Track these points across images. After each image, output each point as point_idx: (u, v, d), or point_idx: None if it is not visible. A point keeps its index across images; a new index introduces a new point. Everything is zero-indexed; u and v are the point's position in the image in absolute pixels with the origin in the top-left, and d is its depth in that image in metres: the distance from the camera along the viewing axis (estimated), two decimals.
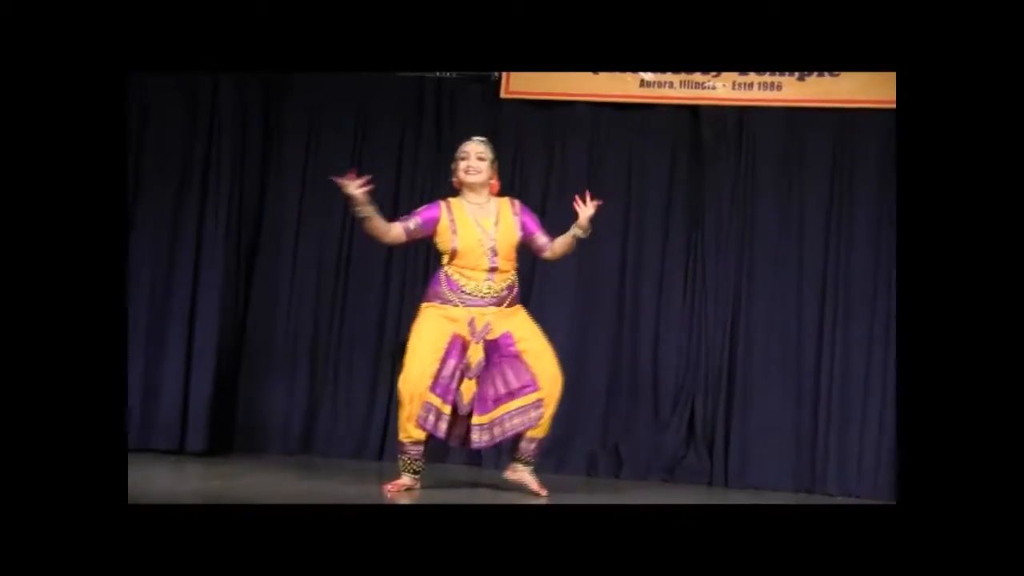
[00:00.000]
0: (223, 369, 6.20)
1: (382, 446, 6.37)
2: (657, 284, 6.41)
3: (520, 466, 5.01)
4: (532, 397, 4.89)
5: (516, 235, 5.01)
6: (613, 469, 6.24)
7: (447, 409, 4.85)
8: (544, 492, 4.99)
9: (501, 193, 5.19)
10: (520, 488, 5.01)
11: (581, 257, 6.15)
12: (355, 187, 4.83)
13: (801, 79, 6.27)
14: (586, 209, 4.91)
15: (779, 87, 6.30)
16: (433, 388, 4.82)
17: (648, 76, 6.39)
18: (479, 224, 4.97)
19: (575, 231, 4.93)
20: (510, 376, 4.89)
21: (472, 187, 5.04)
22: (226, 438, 6.28)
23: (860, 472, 6.06)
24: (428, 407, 4.82)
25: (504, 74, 6.49)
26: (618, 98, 6.43)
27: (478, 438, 4.89)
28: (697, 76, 6.35)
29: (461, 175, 5.06)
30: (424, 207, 5.12)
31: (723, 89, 6.36)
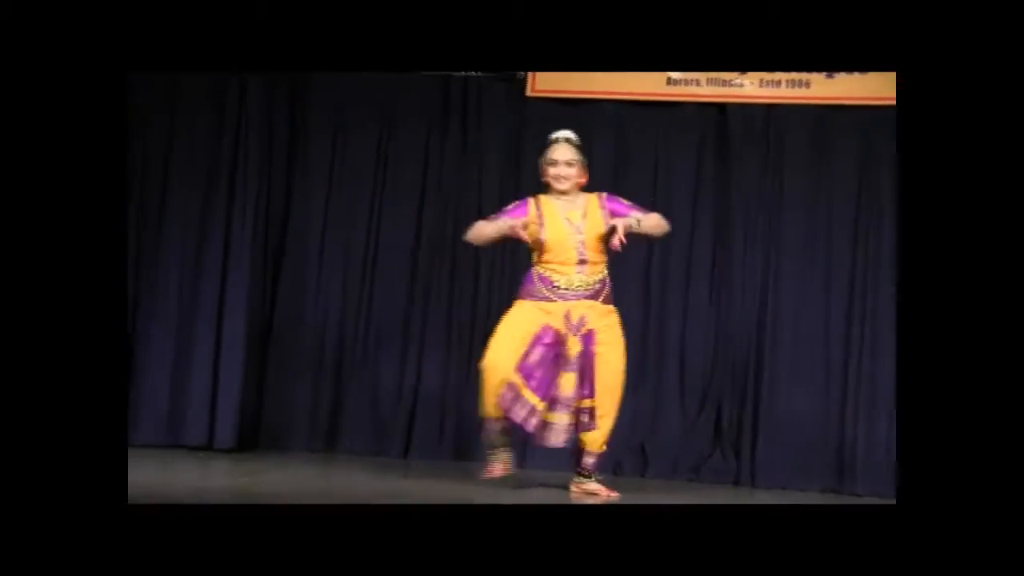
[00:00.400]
0: (250, 367, 6.25)
1: (407, 444, 6.38)
2: (683, 283, 6.40)
3: (582, 480, 5.02)
4: (586, 404, 4.93)
5: (603, 227, 4.95)
6: (639, 468, 6.23)
7: (532, 397, 4.84)
8: (615, 494, 5.00)
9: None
10: (589, 499, 4.97)
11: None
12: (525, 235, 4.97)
13: (829, 76, 6.23)
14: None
15: (807, 84, 6.26)
16: (520, 368, 4.83)
17: (675, 74, 6.36)
18: (567, 218, 4.98)
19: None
20: (579, 380, 4.91)
21: (557, 191, 5.05)
22: (253, 435, 6.32)
23: (887, 472, 6.02)
24: (511, 386, 4.82)
25: (530, 73, 6.48)
26: (644, 96, 6.41)
27: (552, 436, 4.94)
28: (724, 74, 6.32)
29: (550, 181, 5.06)
30: (512, 205, 5.12)
31: (750, 87, 6.33)
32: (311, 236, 6.57)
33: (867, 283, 6.18)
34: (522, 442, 5.33)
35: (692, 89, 6.37)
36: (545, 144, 5.17)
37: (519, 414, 4.84)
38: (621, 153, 6.46)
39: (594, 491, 4.99)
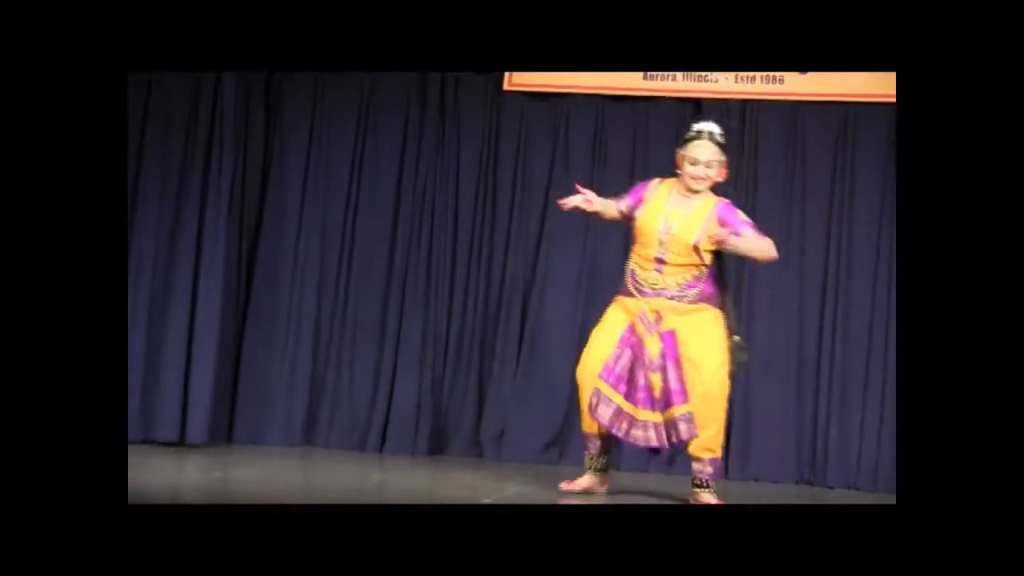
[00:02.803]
0: (224, 360, 6.20)
1: (383, 437, 6.38)
2: None
3: (696, 490, 4.82)
4: (681, 410, 4.70)
5: (696, 235, 4.72)
6: (614, 461, 6.23)
7: (616, 397, 4.73)
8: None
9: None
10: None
11: (584, 247, 6.16)
12: (589, 206, 4.85)
13: (803, 73, 6.25)
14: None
15: (781, 80, 6.29)
16: (603, 375, 4.73)
17: None
18: (668, 213, 4.77)
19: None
20: (670, 382, 4.71)
21: (691, 189, 4.83)
22: (227, 429, 6.29)
23: (860, 464, 6.08)
24: (596, 392, 4.73)
25: None
26: (621, 91, 6.42)
27: (642, 435, 4.78)
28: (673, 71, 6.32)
29: (687, 178, 4.83)
30: (641, 185, 5.00)
31: (725, 82, 6.34)
32: (286, 230, 6.53)
33: (840, 277, 6.23)
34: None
35: (668, 84, 6.39)
36: (686, 134, 4.98)
37: (605, 415, 4.73)
38: (598, 147, 6.46)
39: (704, 502, 4.79)
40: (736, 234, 4.74)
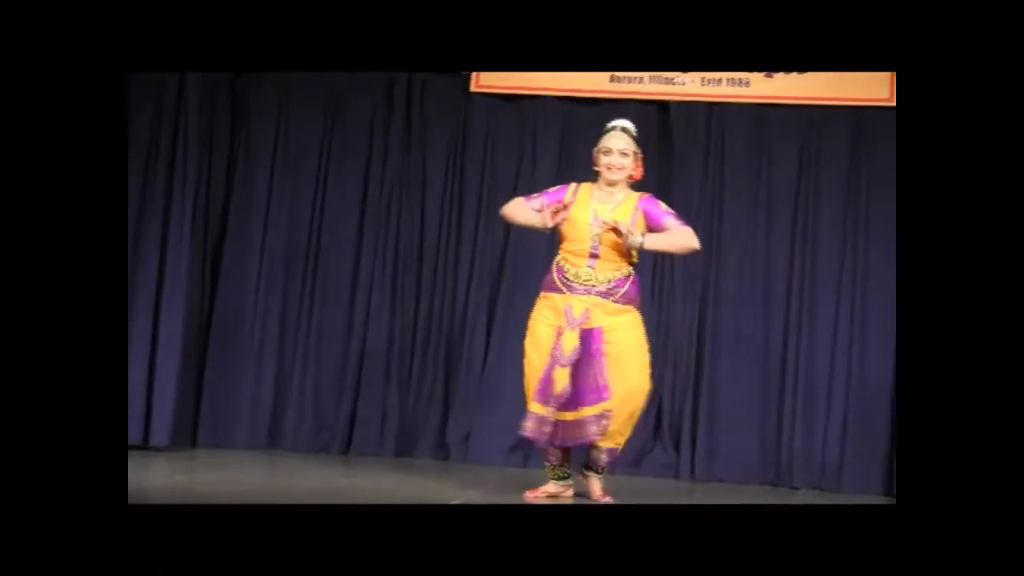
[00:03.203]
0: (188, 364, 6.16)
1: (349, 440, 6.35)
2: None
3: (589, 472, 4.84)
4: (597, 409, 4.66)
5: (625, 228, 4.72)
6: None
7: (548, 413, 4.66)
8: (607, 499, 4.82)
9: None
10: (584, 493, 4.85)
11: (551, 249, 6.15)
12: (549, 219, 4.79)
13: (769, 76, 6.29)
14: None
15: (747, 83, 6.32)
16: (537, 396, 4.68)
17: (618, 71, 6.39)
18: (595, 209, 4.77)
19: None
20: (594, 378, 4.67)
21: (609, 182, 4.85)
22: (191, 432, 6.24)
23: (824, 465, 6.12)
24: (529, 415, 4.70)
25: None
26: (588, 93, 6.44)
27: (578, 434, 4.69)
28: (666, 72, 6.35)
29: (602, 170, 4.86)
30: (555, 188, 4.99)
31: (692, 85, 6.37)
32: (252, 231, 6.49)
33: (805, 280, 6.27)
34: None
35: (635, 86, 6.41)
36: (600, 132, 5.00)
37: (544, 432, 4.68)
38: (565, 149, 6.48)
39: (590, 490, 4.81)
40: (668, 218, 4.78)
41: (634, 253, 4.81)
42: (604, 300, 4.72)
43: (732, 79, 6.33)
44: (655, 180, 6.41)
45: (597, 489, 4.83)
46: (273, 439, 6.38)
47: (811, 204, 6.30)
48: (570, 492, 4.91)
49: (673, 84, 6.38)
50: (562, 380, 4.64)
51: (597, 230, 4.74)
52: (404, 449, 6.35)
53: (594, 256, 4.74)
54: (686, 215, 6.29)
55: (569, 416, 4.67)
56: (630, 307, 4.79)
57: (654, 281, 6.41)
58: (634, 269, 4.84)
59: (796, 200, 6.32)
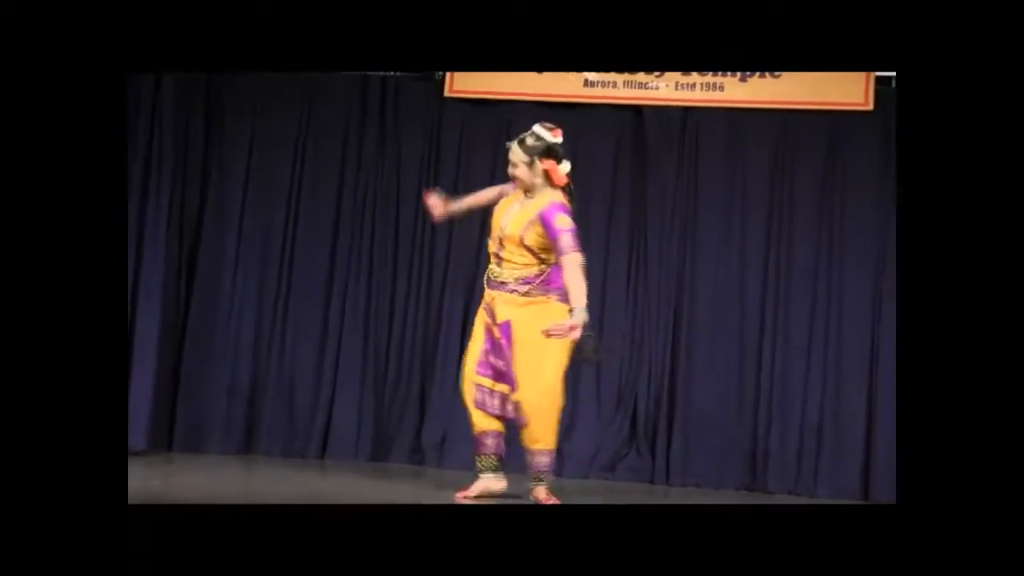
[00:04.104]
0: (163, 367, 6.15)
1: (324, 444, 6.35)
2: (600, 284, 6.41)
3: (532, 483, 4.91)
4: (510, 395, 4.84)
5: (519, 231, 4.83)
6: (556, 467, 6.24)
7: (492, 384, 4.91)
8: (552, 500, 4.87)
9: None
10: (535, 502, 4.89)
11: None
12: (440, 212, 5.21)
13: (743, 80, 6.32)
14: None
15: (721, 88, 6.35)
16: (478, 371, 4.93)
17: (592, 76, 6.41)
18: (512, 211, 4.93)
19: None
20: (504, 364, 4.86)
21: (519, 188, 4.98)
22: (166, 437, 6.23)
23: (800, 470, 6.13)
24: (479, 388, 4.92)
25: (448, 73, 6.48)
26: (562, 97, 6.45)
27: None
28: (640, 76, 6.39)
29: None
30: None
31: (666, 89, 6.39)
32: (227, 235, 6.49)
33: (780, 284, 6.28)
34: None
35: (609, 91, 6.43)
36: None
37: (493, 404, 4.90)
38: None
39: (537, 498, 4.88)
40: (561, 235, 4.75)
41: (544, 254, 4.86)
42: (511, 295, 4.87)
43: (706, 83, 6.35)
44: (629, 184, 6.47)
45: (542, 494, 4.88)
46: (249, 444, 6.37)
47: (786, 208, 6.31)
48: (501, 486, 4.97)
49: (647, 89, 6.41)
50: (497, 364, 4.89)
51: (501, 234, 4.92)
52: (380, 454, 6.35)
53: (498, 257, 4.94)
54: (660, 217, 6.38)
55: (502, 389, 4.88)
56: (544, 298, 4.84)
57: (628, 286, 6.43)
58: (549, 265, 4.86)
59: (770, 204, 6.34)
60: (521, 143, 4.96)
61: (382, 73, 6.52)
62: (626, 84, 6.41)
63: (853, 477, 6.02)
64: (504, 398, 4.88)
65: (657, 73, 6.35)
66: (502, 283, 4.89)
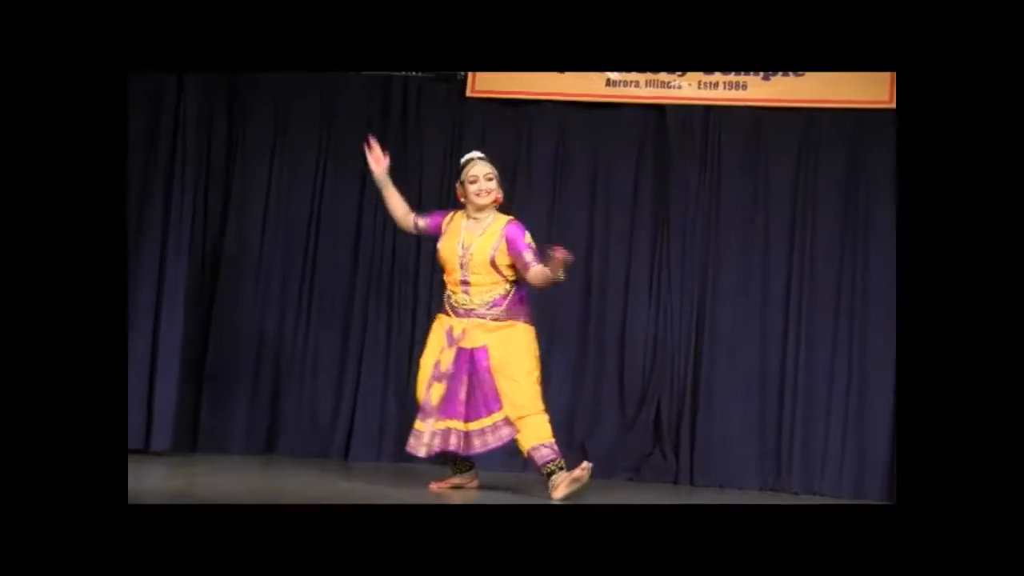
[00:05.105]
0: (188, 368, 6.17)
1: (348, 445, 6.35)
2: (623, 284, 6.43)
3: (551, 479, 4.96)
4: (497, 416, 4.99)
5: (490, 252, 5.02)
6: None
7: (425, 426, 5.06)
8: (585, 467, 4.95)
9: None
10: (573, 495, 4.93)
11: (548, 255, 6.17)
12: (373, 161, 5.20)
13: (766, 79, 6.30)
14: (557, 262, 4.84)
15: (744, 87, 6.33)
16: (418, 414, 5.09)
17: (614, 75, 6.40)
18: (463, 237, 5.07)
19: (547, 271, 4.90)
20: (482, 393, 5.00)
21: (479, 207, 5.12)
22: (191, 437, 6.25)
23: (824, 470, 6.10)
24: (412, 432, 5.10)
25: (470, 73, 6.49)
26: (584, 97, 6.45)
27: (479, 443, 5.04)
28: (663, 75, 6.37)
29: (472, 197, 5.11)
30: (441, 211, 5.30)
31: (689, 88, 6.38)
32: (250, 236, 6.51)
33: (803, 284, 6.26)
34: None
35: (631, 90, 6.42)
36: (459, 168, 5.24)
37: (420, 450, 5.08)
38: (561, 154, 6.48)
39: (564, 487, 4.91)
40: (526, 250, 4.99)
41: (508, 271, 5.06)
42: (483, 320, 5.04)
43: (729, 83, 6.34)
44: (652, 184, 6.45)
45: (562, 480, 4.92)
46: (272, 444, 6.38)
47: (809, 207, 6.29)
48: (475, 483, 5.27)
49: (669, 88, 6.40)
50: (438, 393, 5.03)
51: (465, 259, 5.04)
52: (403, 454, 6.33)
53: (466, 283, 5.06)
54: (683, 217, 6.36)
55: (472, 427, 5.01)
56: (512, 321, 5.06)
57: (651, 285, 6.41)
58: (514, 285, 5.09)
59: (794, 203, 6.31)
60: (484, 159, 5.17)
61: (404, 73, 6.53)
62: (648, 83, 6.39)
63: (877, 478, 5.98)
64: (446, 434, 5.03)
65: (680, 72, 6.33)
66: (470, 310, 5.05)
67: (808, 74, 6.19)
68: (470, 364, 5.01)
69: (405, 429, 6.33)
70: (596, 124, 6.50)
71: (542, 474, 4.99)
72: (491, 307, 5.04)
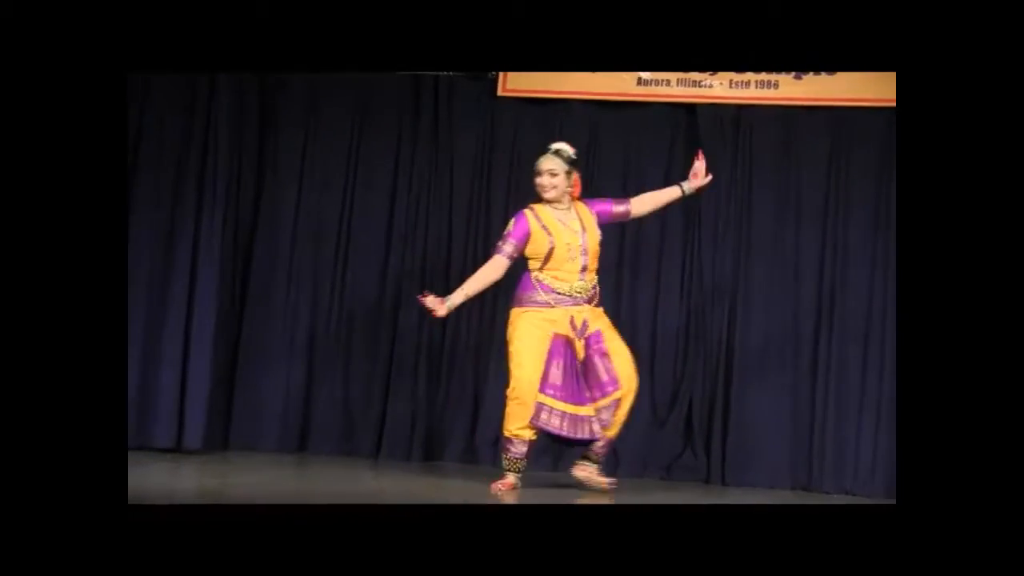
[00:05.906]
0: (220, 366, 6.20)
1: (379, 443, 6.37)
2: (654, 283, 6.42)
3: (589, 464, 5.30)
4: (612, 397, 5.17)
5: (598, 235, 5.25)
6: (610, 467, 6.22)
7: (559, 405, 5.09)
8: (612, 480, 5.30)
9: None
10: (585, 485, 5.25)
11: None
12: (434, 310, 5.17)
13: (798, 78, 6.27)
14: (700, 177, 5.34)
15: (776, 85, 6.30)
16: (543, 388, 5.07)
17: (645, 74, 6.39)
18: (570, 225, 5.19)
19: (683, 186, 5.40)
20: (601, 373, 5.16)
21: (545, 200, 5.24)
22: (223, 435, 6.28)
23: (856, 470, 6.07)
24: (539, 406, 5.06)
25: (501, 72, 6.49)
26: (615, 96, 6.43)
27: (597, 429, 5.15)
28: (694, 74, 6.35)
29: (539, 191, 5.26)
30: (513, 225, 5.25)
31: (720, 87, 6.36)
32: (281, 236, 6.54)
33: (835, 282, 6.22)
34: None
35: (662, 89, 6.40)
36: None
37: (553, 423, 5.09)
38: (592, 153, 6.46)
39: (594, 482, 5.25)
40: (610, 201, 5.40)
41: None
42: (589, 306, 5.20)
43: (760, 81, 6.31)
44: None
45: (603, 480, 5.28)
46: (303, 442, 6.41)
47: (841, 206, 6.26)
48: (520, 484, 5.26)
49: (700, 87, 6.38)
50: (556, 377, 5.10)
51: (586, 245, 5.18)
52: (433, 453, 6.36)
53: (584, 269, 5.19)
54: (714, 216, 6.35)
55: (583, 411, 5.11)
56: (600, 307, 5.29)
57: (682, 285, 6.40)
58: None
59: (826, 202, 6.28)
60: (556, 153, 5.23)
61: (435, 73, 6.53)
62: (680, 82, 6.38)
63: None
64: (564, 416, 5.09)
65: (710, 72, 6.32)
66: (584, 296, 5.19)
67: (840, 73, 6.16)
68: (590, 350, 5.17)
69: (435, 427, 6.39)
70: (627, 123, 6.48)
71: (591, 459, 5.27)
72: (593, 292, 5.24)
